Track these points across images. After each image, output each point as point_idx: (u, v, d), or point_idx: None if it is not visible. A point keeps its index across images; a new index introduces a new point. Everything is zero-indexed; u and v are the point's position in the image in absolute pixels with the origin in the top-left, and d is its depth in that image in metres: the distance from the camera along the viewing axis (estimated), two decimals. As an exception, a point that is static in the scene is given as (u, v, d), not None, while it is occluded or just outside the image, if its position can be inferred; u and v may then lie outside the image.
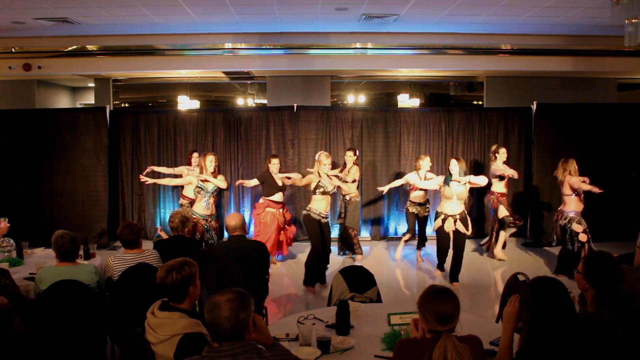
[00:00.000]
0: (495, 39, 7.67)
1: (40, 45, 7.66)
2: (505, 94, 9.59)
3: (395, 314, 3.07)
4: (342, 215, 7.62)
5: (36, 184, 8.70)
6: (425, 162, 7.33)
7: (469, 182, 6.25)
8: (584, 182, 6.47)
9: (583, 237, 6.48)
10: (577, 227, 6.49)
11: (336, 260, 7.52)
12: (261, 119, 9.01)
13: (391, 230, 9.18)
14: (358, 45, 7.91)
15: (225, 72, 9.49)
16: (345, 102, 10.54)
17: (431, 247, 7.42)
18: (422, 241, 7.57)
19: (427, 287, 2.45)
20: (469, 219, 6.42)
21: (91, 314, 3.63)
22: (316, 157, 6.45)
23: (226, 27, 7.23)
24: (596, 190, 6.34)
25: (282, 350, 2.33)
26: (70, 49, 7.86)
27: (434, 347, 2.20)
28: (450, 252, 6.44)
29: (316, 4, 5.95)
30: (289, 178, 7.38)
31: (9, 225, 4.90)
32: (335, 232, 7.85)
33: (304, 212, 6.42)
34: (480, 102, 9.99)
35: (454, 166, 6.24)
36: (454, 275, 6.47)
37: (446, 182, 6.29)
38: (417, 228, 7.56)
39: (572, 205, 6.58)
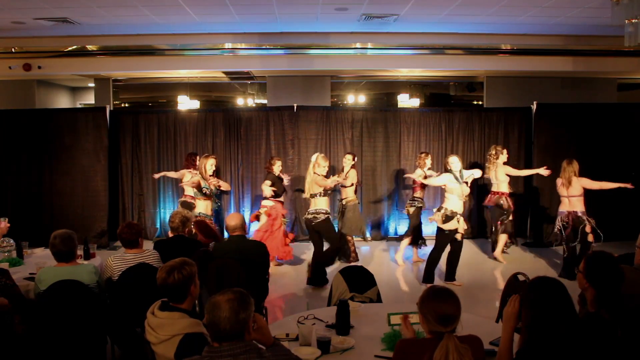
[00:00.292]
0: (495, 39, 7.68)
1: (40, 45, 7.66)
2: (505, 94, 9.59)
3: (395, 314, 3.06)
4: (339, 217, 7.51)
5: (36, 184, 8.70)
6: (428, 160, 7.38)
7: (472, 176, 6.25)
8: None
9: (591, 237, 6.51)
10: (588, 228, 6.52)
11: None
12: (261, 119, 9.01)
13: (391, 230, 9.18)
14: (358, 45, 7.92)
15: (225, 72, 9.48)
16: (345, 102, 10.54)
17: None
18: (421, 241, 7.56)
19: (427, 288, 2.46)
20: None
21: (91, 314, 3.62)
22: (313, 159, 6.40)
23: (226, 27, 7.24)
24: (629, 186, 6.60)
25: (283, 350, 2.33)
26: (70, 49, 7.86)
27: (434, 348, 2.20)
28: (447, 252, 6.41)
29: (316, 4, 5.95)
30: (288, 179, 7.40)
31: (9, 225, 4.90)
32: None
33: (324, 216, 6.28)
34: (480, 102, 9.99)
35: (457, 163, 6.13)
36: (452, 274, 6.44)
37: (458, 180, 6.08)
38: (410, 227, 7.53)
39: (579, 206, 6.60)
